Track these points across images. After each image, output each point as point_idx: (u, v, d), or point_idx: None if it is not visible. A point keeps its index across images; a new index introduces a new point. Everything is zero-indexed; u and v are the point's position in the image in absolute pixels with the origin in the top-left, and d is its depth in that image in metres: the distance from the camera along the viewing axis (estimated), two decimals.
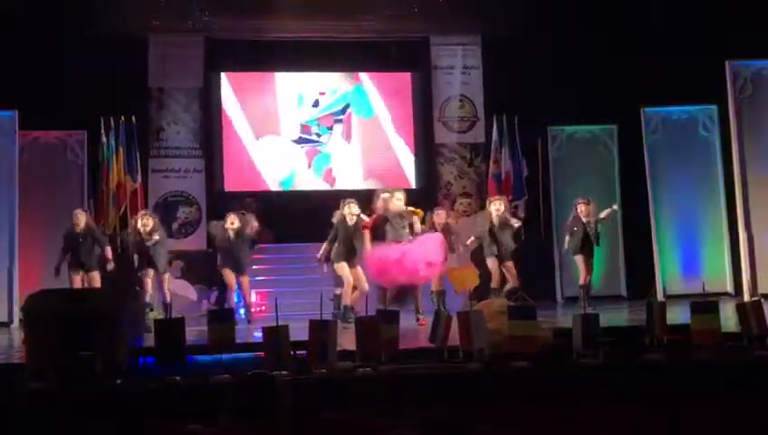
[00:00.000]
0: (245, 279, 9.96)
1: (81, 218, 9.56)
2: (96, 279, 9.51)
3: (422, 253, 9.25)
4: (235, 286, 9.87)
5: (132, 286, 9.51)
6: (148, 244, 9.39)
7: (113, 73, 11.20)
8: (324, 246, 9.45)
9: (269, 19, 12.06)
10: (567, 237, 10.24)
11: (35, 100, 10.68)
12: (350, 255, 9.24)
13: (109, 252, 9.58)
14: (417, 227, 9.41)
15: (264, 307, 10.55)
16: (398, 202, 9.42)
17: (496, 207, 9.80)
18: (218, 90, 12.64)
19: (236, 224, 9.86)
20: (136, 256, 9.51)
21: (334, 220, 9.44)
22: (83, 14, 11.09)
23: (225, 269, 9.86)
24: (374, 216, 9.59)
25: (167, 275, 9.58)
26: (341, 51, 12.66)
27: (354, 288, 9.24)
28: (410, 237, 9.33)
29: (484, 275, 10.01)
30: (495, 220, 9.71)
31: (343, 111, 12.98)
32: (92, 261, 9.53)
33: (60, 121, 11.02)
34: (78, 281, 9.45)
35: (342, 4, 12.06)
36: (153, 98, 12.08)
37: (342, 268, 9.26)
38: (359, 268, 9.29)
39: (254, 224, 10.04)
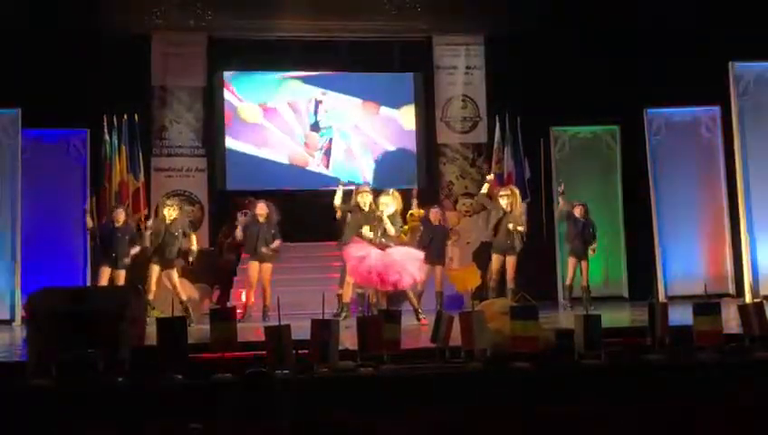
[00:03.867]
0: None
1: (121, 216, 9.81)
2: (122, 276, 9.69)
3: (388, 266, 8.76)
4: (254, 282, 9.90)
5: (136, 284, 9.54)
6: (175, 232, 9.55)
7: (116, 72, 11.23)
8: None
9: (272, 18, 12.06)
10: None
11: (38, 98, 10.67)
12: None
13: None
14: (389, 230, 8.92)
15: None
16: (380, 205, 9.02)
17: (507, 201, 9.75)
18: (221, 89, 12.66)
19: (265, 211, 9.99)
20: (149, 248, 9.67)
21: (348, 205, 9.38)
22: (86, 12, 11.09)
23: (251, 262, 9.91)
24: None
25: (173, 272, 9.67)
26: (344, 50, 12.67)
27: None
28: (384, 242, 8.92)
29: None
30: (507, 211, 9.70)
31: (345, 110, 12.99)
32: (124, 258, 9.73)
33: (62, 119, 11.00)
34: (107, 276, 9.62)
35: (345, 4, 12.05)
36: (156, 96, 12.11)
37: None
38: None
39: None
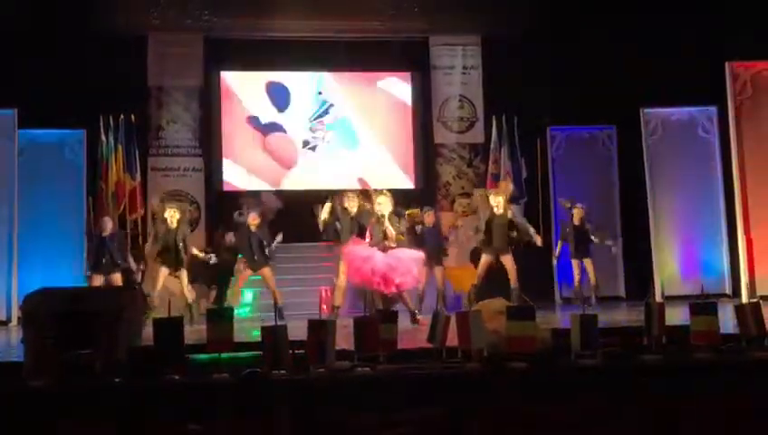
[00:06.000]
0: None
1: (108, 224, 9.93)
2: (118, 280, 9.79)
3: (393, 269, 8.76)
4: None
5: (132, 285, 9.54)
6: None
7: (113, 72, 11.22)
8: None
9: (268, 18, 12.06)
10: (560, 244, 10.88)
11: (35, 98, 10.67)
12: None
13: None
14: (390, 233, 8.91)
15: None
16: (377, 206, 9.01)
17: (497, 201, 9.76)
18: (217, 89, 12.66)
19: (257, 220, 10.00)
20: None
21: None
22: (83, 13, 11.08)
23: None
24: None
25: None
26: (341, 50, 12.66)
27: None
28: (387, 244, 8.92)
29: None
30: (495, 213, 9.69)
31: (342, 110, 12.99)
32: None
33: (59, 120, 11.01)
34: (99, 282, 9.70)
35: (342, 4, 12.05)
36: (152, 96, 12.11)
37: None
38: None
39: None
